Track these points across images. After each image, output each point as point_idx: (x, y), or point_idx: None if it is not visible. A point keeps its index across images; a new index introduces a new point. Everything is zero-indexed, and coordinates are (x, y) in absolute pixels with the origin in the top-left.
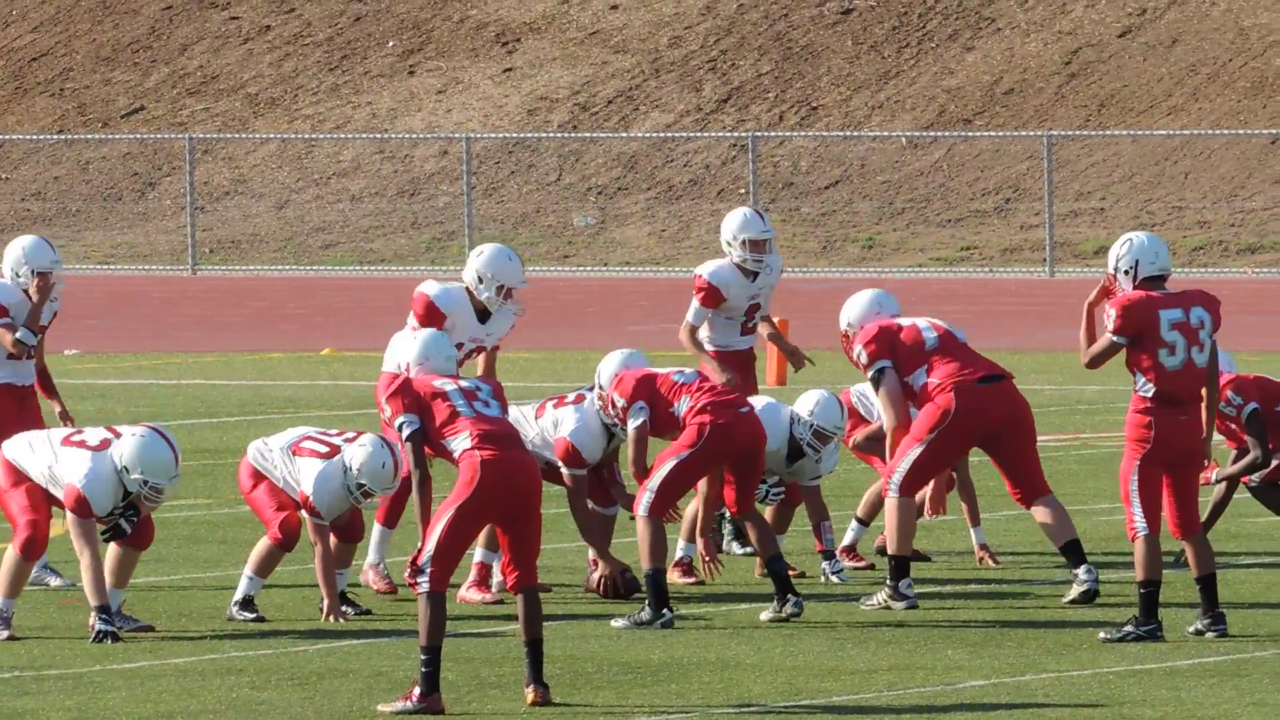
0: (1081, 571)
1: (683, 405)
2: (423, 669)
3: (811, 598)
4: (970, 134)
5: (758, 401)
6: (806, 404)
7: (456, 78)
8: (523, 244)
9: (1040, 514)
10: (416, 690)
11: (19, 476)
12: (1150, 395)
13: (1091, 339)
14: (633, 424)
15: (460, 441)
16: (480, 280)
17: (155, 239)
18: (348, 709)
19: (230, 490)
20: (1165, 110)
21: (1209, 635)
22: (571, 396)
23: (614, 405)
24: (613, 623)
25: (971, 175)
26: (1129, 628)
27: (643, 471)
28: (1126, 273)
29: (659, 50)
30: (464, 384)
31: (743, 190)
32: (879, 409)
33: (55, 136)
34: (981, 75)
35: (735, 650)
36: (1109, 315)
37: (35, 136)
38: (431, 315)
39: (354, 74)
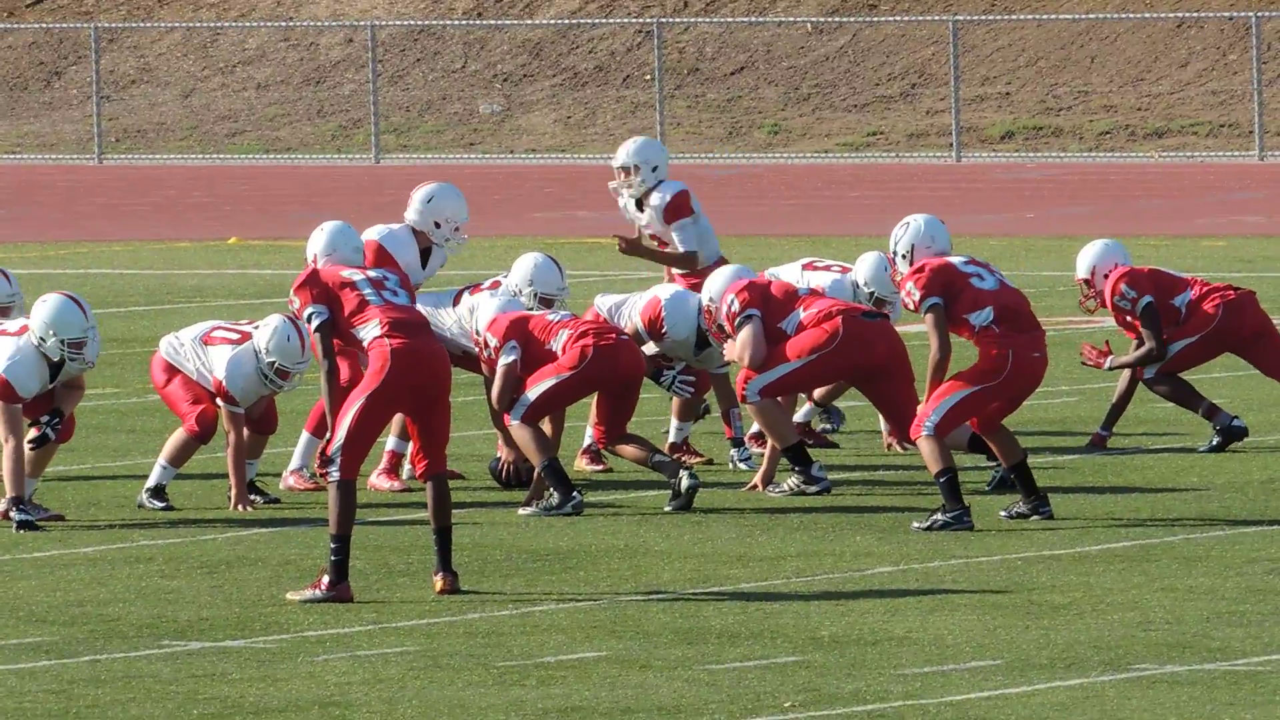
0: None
1: (560, 339)
2: (332, 557)
3: (720, 485)
4: (875, 19)
5: (666, 290)
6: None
7: None
8: (429, 131)
9: None
10: (325, 578)
11: None
12: (992, 320)
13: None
14: (503, 361)
15: (370, 330)
16: (438, 225)
17: (61, 128)
18: (257, 597)
19: (138, 380)
20: None
21: (1035, 518)
22: (487, 284)
23: (487, 345)
24: (519, 511)
25: (877, 60)
26: (938, 515)
27: (506, 409)
28: (904, 256)
29: None
30: (371, 273)
31: (648, 77)
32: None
33: None
34: None
35: (644, 537)
36: (909, 292)
37: None
38: (381, 259)
39: None
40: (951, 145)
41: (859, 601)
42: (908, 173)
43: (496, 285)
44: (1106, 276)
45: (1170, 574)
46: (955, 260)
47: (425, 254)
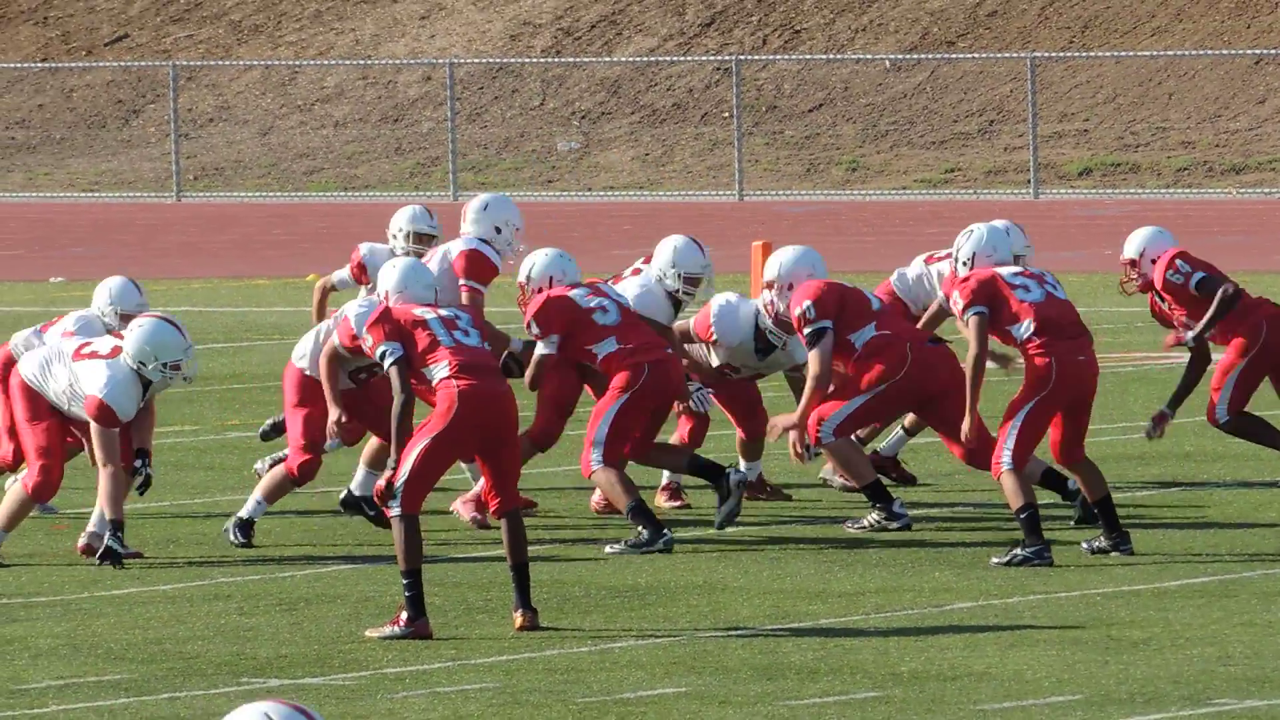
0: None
1: (605, 347)
2: (406, 593)
3: (798, 520)
4: (953, 56)
5: (719, 299)
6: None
7: (439, 3)
8: (506, 169)
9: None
10: (404, 614)
11: (37, 408)
12: (1034, 331)
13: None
14: (541, 351)
15: (439, 370)
16: (499, 230)
17: (140, 166)
18: (335, 634)
19: (215, 417)
20: (1149, 31)
21: (1115, 554)
22: (628, 271)
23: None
24: (606, 549)
25: (955, 97)
26: (1018, 550)
27: (535, 388)
28: (965, 264)
29: None
30: (443, 312)
31: (726, 114)
32: (921, 290)
33: (39, 65)
34: None
35: (722, 573)
36: (955, 301)
37: (19, 65)
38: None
39: (336, 0)
40: (1029, 182)
41: (938, 637)
42: (985, 209)
43: (638, 273)
44: (1154, 261)
45: (1250, 609)
46: (1005, 271)
47: None
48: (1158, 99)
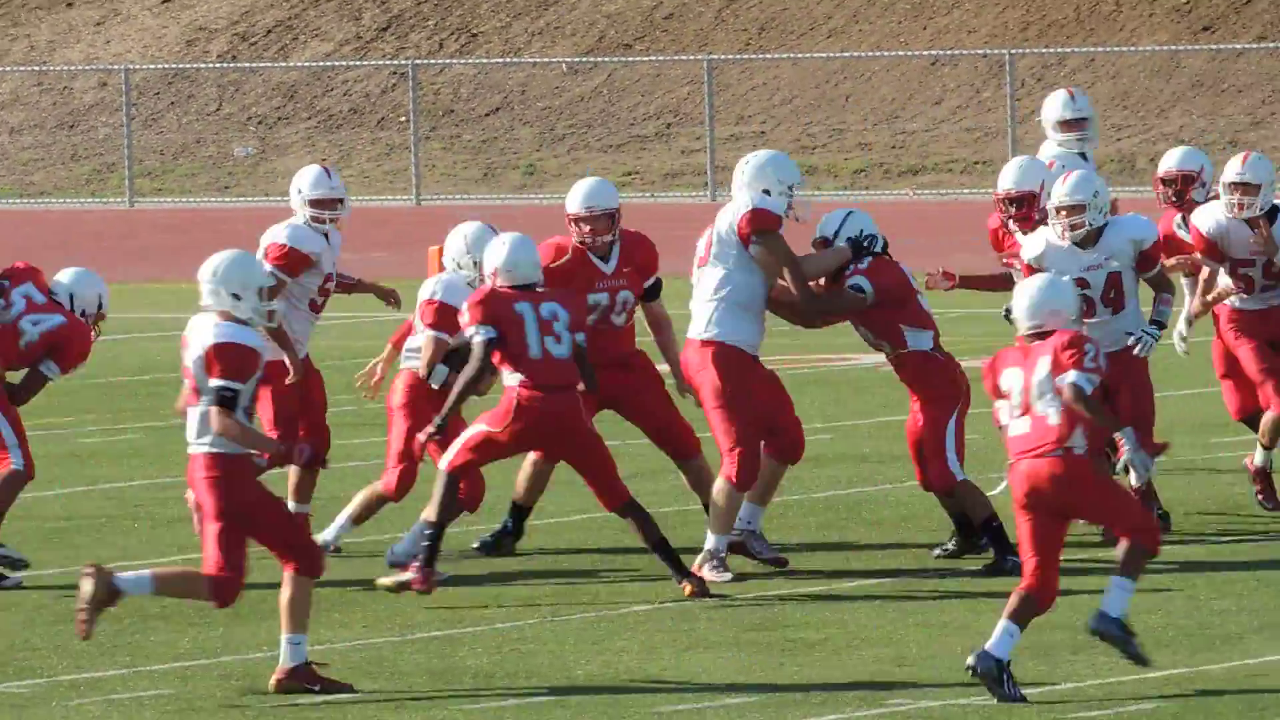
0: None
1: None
2: None
3: (478, 528)
4: (630, 59)
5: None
6: None
7: (115, 9)
8: (183, 174)
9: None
10: None
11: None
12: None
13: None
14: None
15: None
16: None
17: None
18: (10, 642)
19: None
20: (825, 33)
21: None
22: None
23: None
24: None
25: (632, 100)
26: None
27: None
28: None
29: None
30: (543, 313)
31: (403, 119)
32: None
33: None
34: (641, 0)
35: None
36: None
37: None
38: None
39: (11, 6)
40: (707, 184)
41: (614, 640)
42: (664, 213)
43: None
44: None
45: (925, 610)
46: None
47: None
48: (834, 101)
